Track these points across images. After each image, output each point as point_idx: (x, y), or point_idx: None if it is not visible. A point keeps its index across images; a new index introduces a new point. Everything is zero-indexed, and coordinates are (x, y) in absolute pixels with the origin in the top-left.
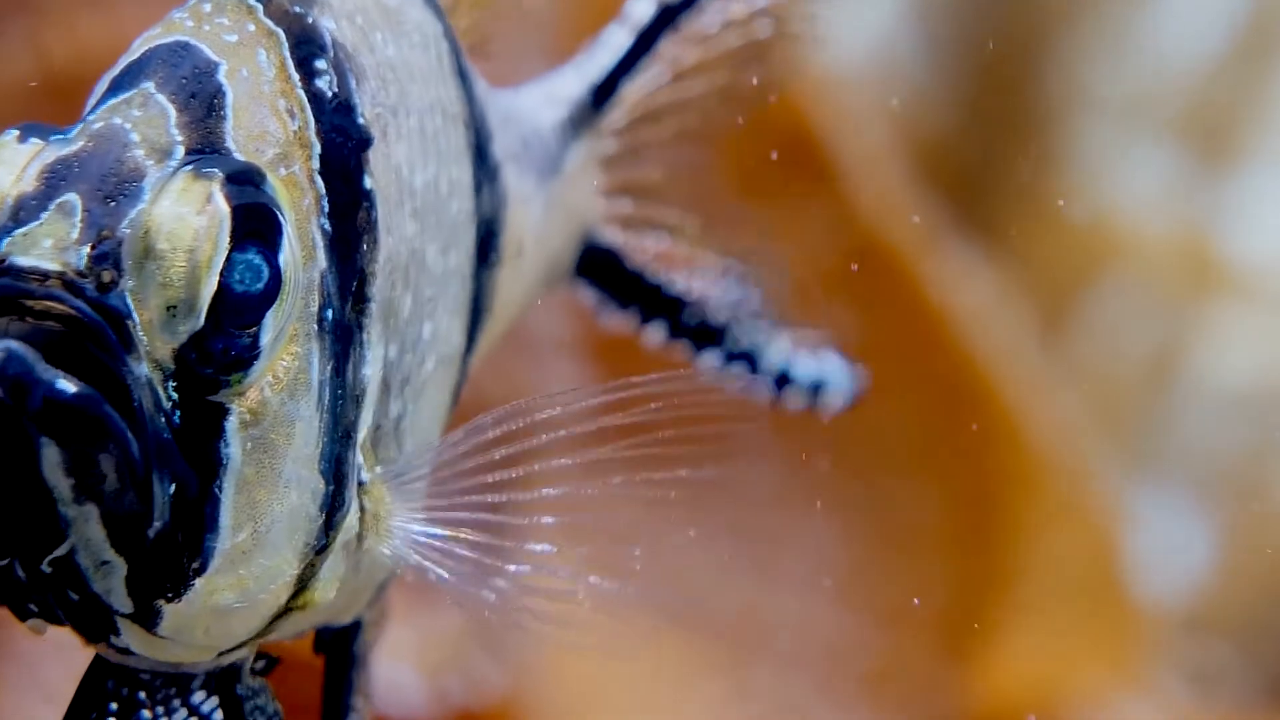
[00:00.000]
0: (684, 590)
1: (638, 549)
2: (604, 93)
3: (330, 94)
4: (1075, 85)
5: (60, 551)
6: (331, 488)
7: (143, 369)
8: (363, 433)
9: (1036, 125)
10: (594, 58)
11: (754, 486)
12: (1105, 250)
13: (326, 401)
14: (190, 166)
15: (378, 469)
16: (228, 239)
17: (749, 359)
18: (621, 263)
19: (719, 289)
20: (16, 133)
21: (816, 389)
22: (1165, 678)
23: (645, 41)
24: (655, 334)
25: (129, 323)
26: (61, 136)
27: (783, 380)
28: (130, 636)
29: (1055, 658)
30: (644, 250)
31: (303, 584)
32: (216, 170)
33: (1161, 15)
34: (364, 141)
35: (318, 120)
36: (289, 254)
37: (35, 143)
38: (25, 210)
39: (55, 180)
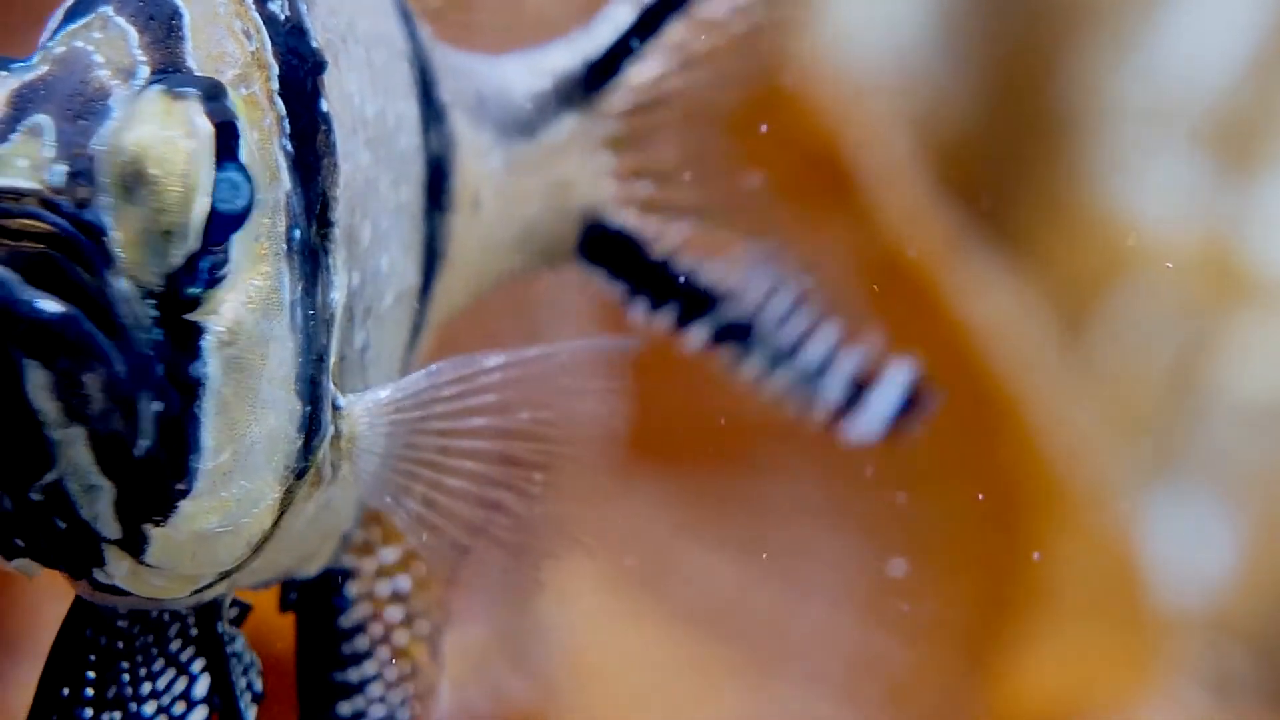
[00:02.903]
0: (710, 602)
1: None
2: (602, 71)
3: (283, 17)
4: (1098, 93)
5: (49, 478)
6: (308, 409)
7: (123, 285)
8: (333, 359)
9: (1059, 134)
10: (592, 36)
11: (779, 499)
12: (1128, 258)
13: (299, 322)
14: (160, 84)
15: (350, 395)
16: (212, 159)
17: (788, 356)
18: (641, 251)
19: (753, 277)
20: None
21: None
22: (1187, 687)
23: (649, 23)
24: (695, 334)
25: (107, 239)
26: (23, 64)
27: (854, 391)
28: (117, 567)
29: (1078, 669)
30: (667, 238)
31: (282, 509)
32: (192, 89)
33: (1185, 23)
34: (319, 65)
35: (274, 42)
36: (256, 168)
37: (2, 74)
38: None
39: (22, 104)
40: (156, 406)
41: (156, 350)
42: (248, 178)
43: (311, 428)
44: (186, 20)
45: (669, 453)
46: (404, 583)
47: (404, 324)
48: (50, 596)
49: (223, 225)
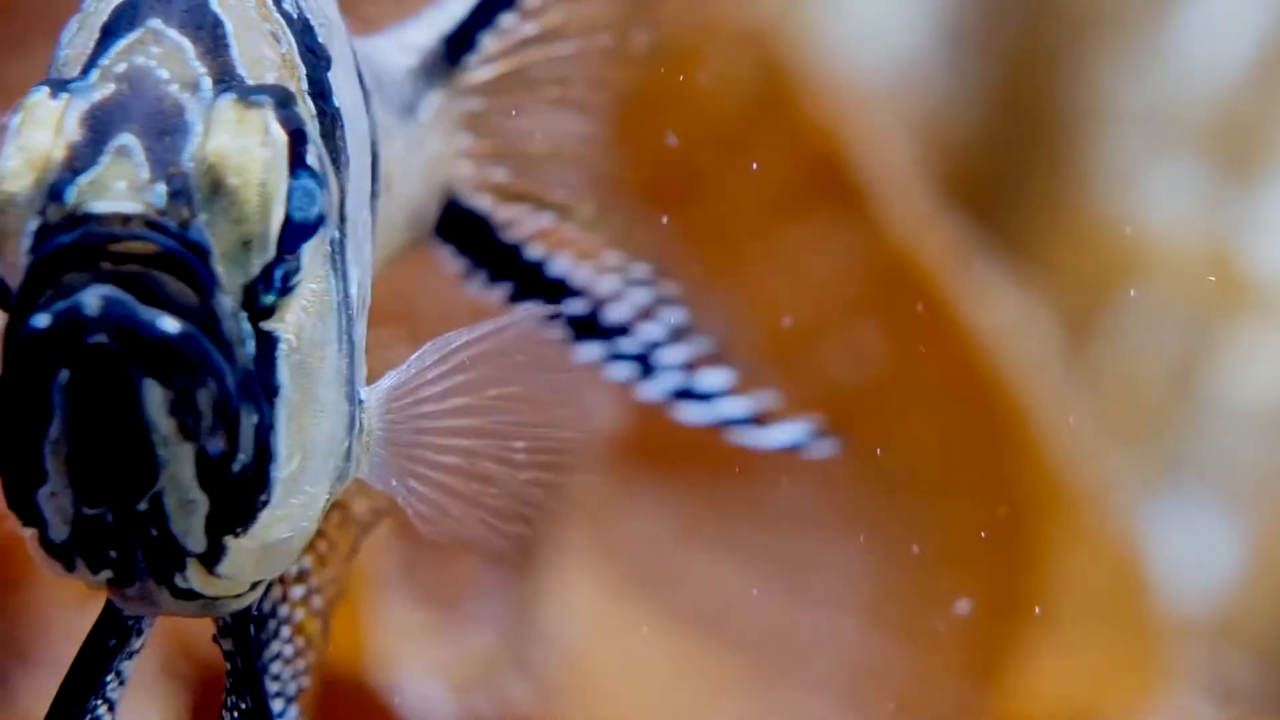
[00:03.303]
0: (714, 609)
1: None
2: (458, 45)
3: (295, 15)
4: (1101, 98)
5: (152, 491)
6: (353, 409)
7: (227, 302)
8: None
9: (1062, 138)
10: (445, 7)
11: (783, 505)
12: (1131, 263)
13: (344, 323)
14: (232, 94)
15: (366, 389)
16: (287, 166)
17: (644, 361)
18: (493, 233)
19: (617, 286)
20: (47, 89)
21: (720, 415)
22: (1193, 695)
23: None
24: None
25: (211, 257)
26: (82, 84)
27: (683, 394)
28: (193, 576)
29: (1084, 677)
30: (521, 225)
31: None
32: (266, 96)
33: (1188, 27)
34: (328, 60)
35: (295, 42)
36: (324, 173)
37: (65, 96)
38: (80, 159)
39: (101, 125)
40: (255, 420)
41: (254, 364)
42: (321, 184)
43: (353, 426)
44: (228, 28)
45: (672, 458)
46: (306, 560)
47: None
48: (59, 605)
49: (298, 233)
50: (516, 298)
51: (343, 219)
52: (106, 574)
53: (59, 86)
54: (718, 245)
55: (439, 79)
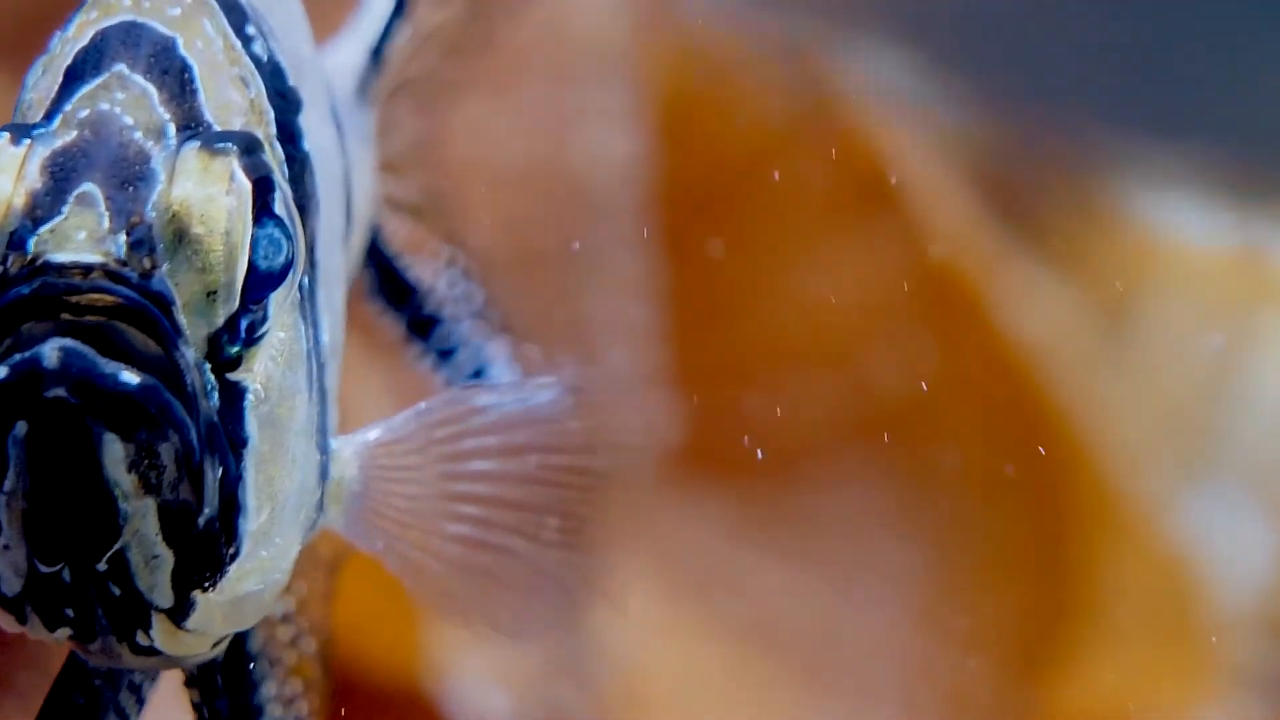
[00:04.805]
0: (765, 615)
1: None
2: (377, 59)
3: (265, 59)
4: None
5: (114, 549)
6: (324, 459)
7: (190, 353)
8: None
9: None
10: (365, 23)
11: (832, 511)
12: (1163, 263)
13: (314, 371)
14: (197, 141)
15: (340, 438)
16: (251, 215)
17: (445, 355)
18: (377, 247)
19: (443, 280)
20: (9, 135)
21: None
22: (1242, 692)
23: (402, 2)
24: (394, 327)
25: (174, 308)
26: (44, 130)
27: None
28: (157, 633)
29: (1133, 678)
30: (395, 234)
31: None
32: (230, 144)
33: None
34: (298, 104)
35: (265, 86)
36: (291, 222)
37: (26, 142)
38: (42, 207)
39: (64, 173)
40: (219, 473)
41: (218, 416)
42: (287, 233)
43: (323, 475)
44: (196, 73)
45: (723, 466)
46: (288, 603)
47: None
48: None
49: (263, 283)
50: (392, 311)
51: (313, 265)
52: (65, 631)
53: (21, 132)
54: (766, 253)
55: (367, 95)
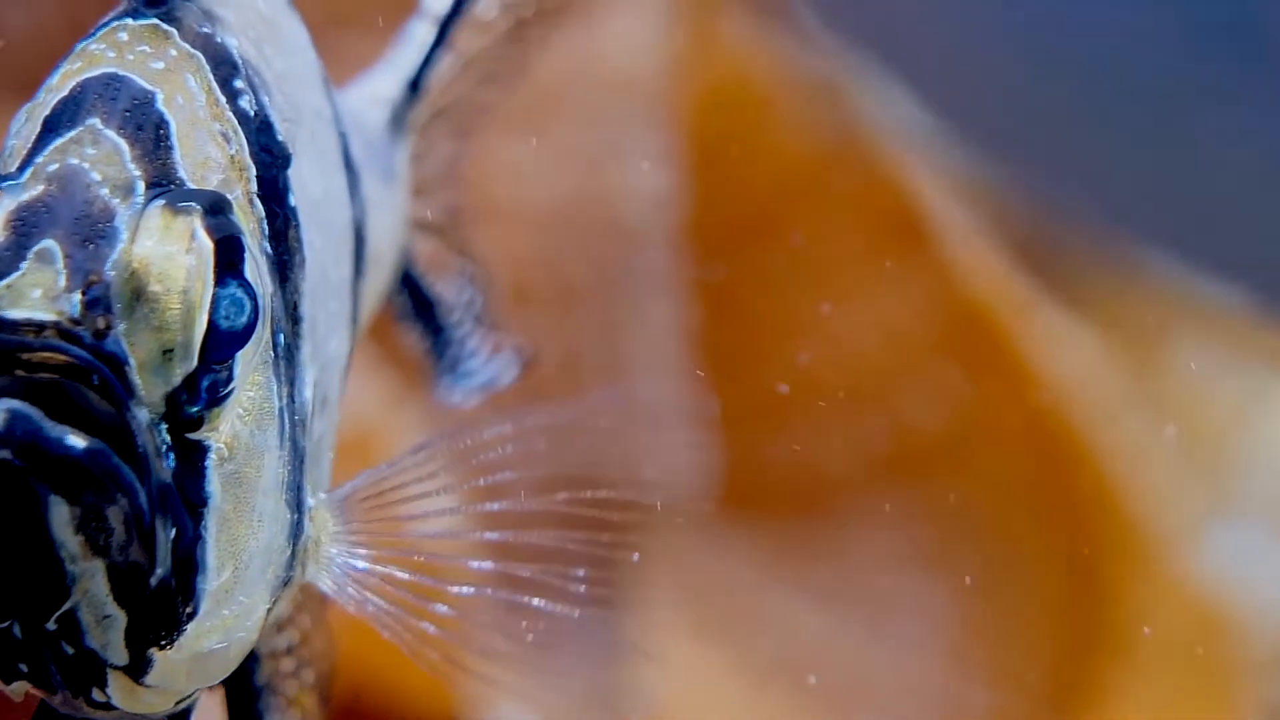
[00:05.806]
0: (795, 652)
1: (577, 575)
2: (415, 89)
3: (252, 113)
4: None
5: (63, 609)
6: (296, 517)
7: (143, 414)
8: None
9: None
10: (404, 53)
11: (862, 548)
12: (1188, 309)
13: (287, 429)
14: (162, 200)
15: (320, 494)
16: (212, 275)
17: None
18: (409, 269)
19: (454, 289)
20: None
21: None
22: None
23: (444, 32)
24: (421, 346)
25: (127, 368)
26: (13, 182)
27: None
28: (115, 689)
29: (1165, 715)
30: (421, 254)
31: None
32: (194, 204)
33: None
34: (286, 159)
35: (248, 142)
36: (258, 282)
37: None
38: (1, 262)
39: (25, 228)
40: (172, 534)
41: (172, 477)
42: (251, 294)
43: (297, 533)
44: (172, 128)
45: (754, 504)
46: (291, 636)
47: (339, 403)
48: None
49: (225, 343)
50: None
51: (296, 320)
52: (22, 685)
53: None
54: (798, 291)
55: (403, 127)
